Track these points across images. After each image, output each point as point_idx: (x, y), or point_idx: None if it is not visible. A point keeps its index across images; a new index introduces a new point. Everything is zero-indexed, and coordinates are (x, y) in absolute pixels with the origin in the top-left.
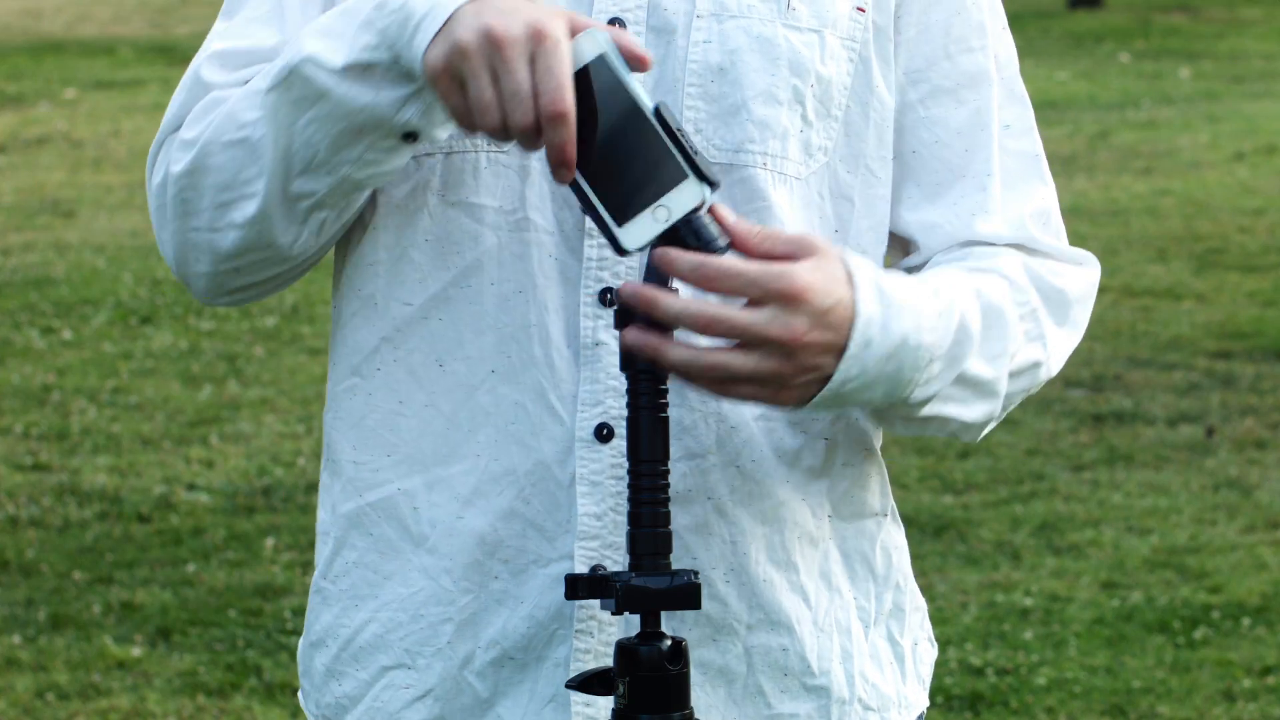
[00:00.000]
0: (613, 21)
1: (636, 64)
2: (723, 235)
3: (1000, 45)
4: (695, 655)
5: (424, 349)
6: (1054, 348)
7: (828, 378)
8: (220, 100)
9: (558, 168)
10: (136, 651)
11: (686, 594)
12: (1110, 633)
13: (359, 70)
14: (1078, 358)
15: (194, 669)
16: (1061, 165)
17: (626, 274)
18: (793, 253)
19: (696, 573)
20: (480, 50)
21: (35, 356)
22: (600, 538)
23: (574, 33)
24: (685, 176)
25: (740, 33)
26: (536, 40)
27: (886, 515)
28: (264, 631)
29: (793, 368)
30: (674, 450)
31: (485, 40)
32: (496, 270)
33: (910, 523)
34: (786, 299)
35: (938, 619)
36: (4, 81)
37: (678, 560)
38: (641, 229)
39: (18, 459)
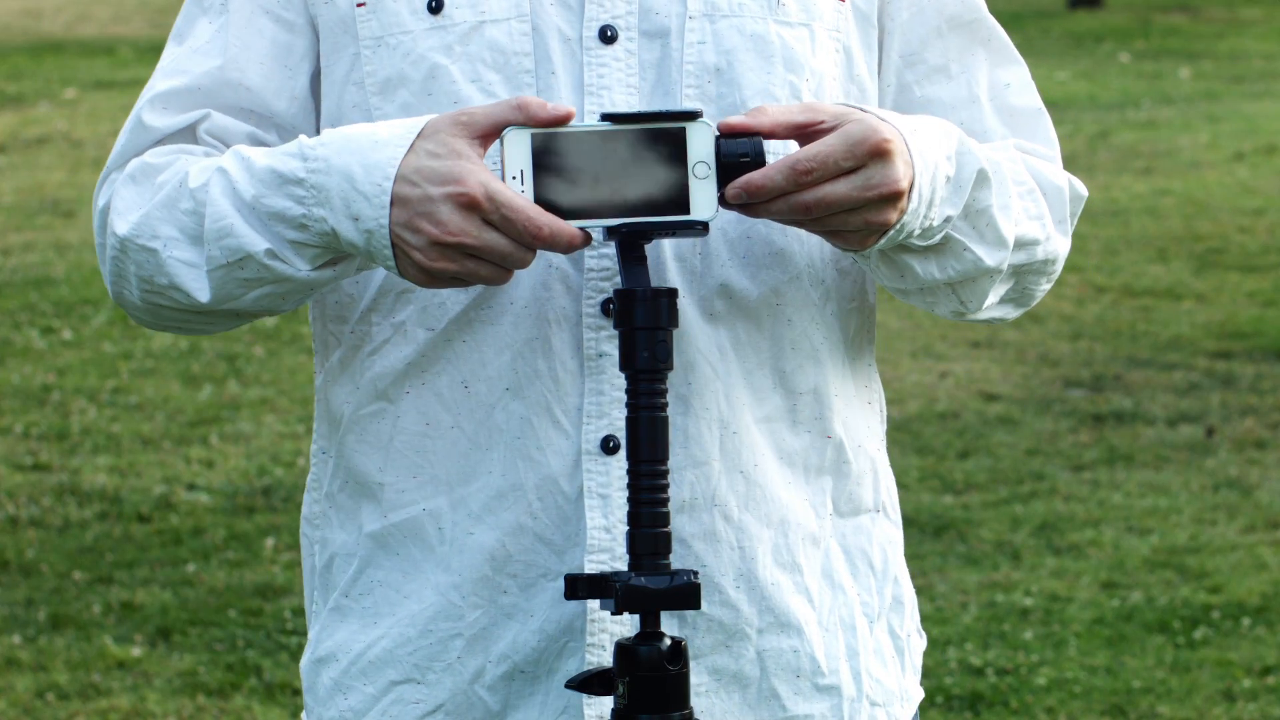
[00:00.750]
0: (604, 29)
1: (562, 121)
2: (752, 140)
3: (985, 10)
4: (709, 662)
5: (450, 371)
6: (1053, 234)
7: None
8: (152, 170)
9: (575, 250)
10: (136, 651)
11: (686, 594)
12: (1110, 633)
13: (325, 264)
14: (1078, 358)
15: (194, 669)
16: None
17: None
18: (837, 118)
19: (696, 573)
20: (450, 257)
21: (35, 356)
22: (610, 550)
23: (468, 126)
24: (683, 129)
25: (734, 32)
26: (472, 206)
27: (879, 511)
28: (264, 631)
29: (897, 212)
30: (679, 458)
31: (444, 249)
32: (512, 289)
33: (910, 523)
34: (879, 155)
35: (938, 619)
36: (4, 81)
37: (685, 567)
38: (703, 196)
39: (18, 459)
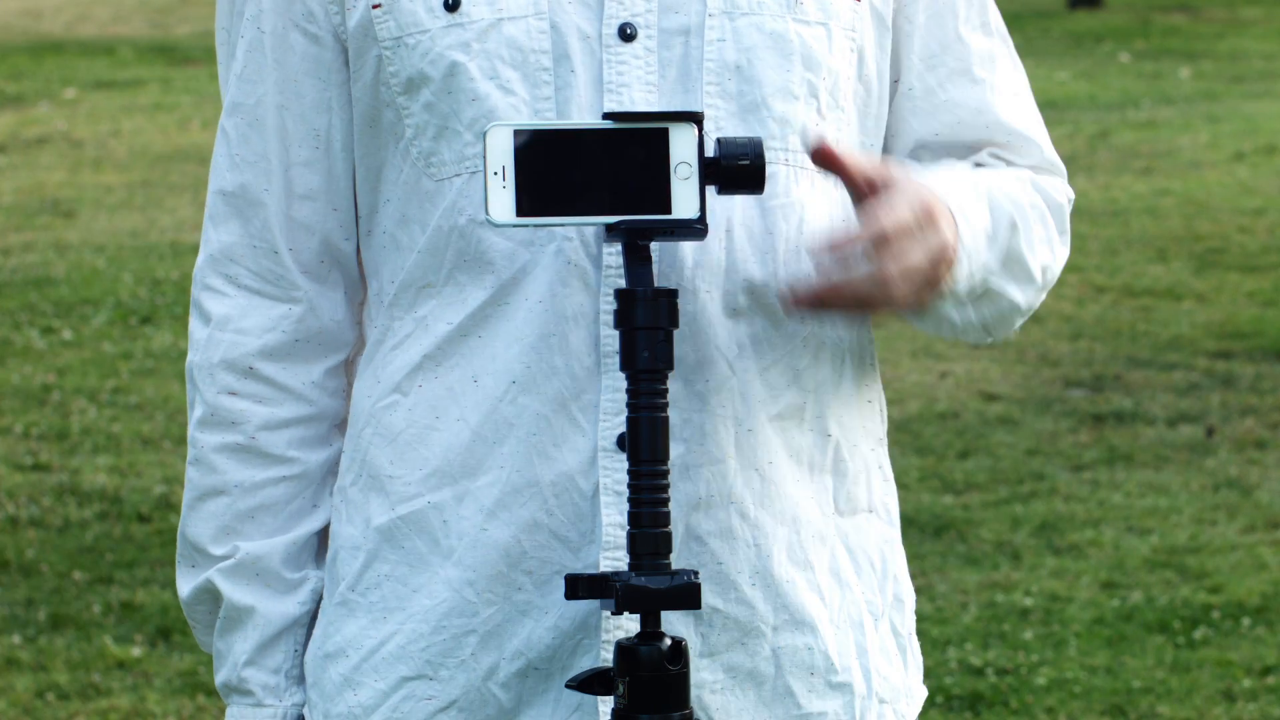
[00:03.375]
0: (623, 27)
1: None
2: (751, 141)
3: (997, 13)
4: (725, 659)
5: (462, 365)
6: (1058, 255)
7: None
8: (225, 441)
9: None
10: (136, 651)
11: (686, 594)
12: (1110, 633)
13: None
14: (1078, 358)
15: (194, 669)
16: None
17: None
18: (888, 178)
19: (696, 572)
20: None
21: (35, 356)
22: (625, 547)
23: None
24: (665, 129)
25: (753, 30)
26: None
27: (872, 511)
28: None
29: (945, 270)
30: (696, 455)
31: None
32: (530, 284)
33: (910, 523)
34: (930, 220)
35: (938, 619)
36: (4, 81)
37: (704, 566)
38: (685, 196)
39: (18, 459)
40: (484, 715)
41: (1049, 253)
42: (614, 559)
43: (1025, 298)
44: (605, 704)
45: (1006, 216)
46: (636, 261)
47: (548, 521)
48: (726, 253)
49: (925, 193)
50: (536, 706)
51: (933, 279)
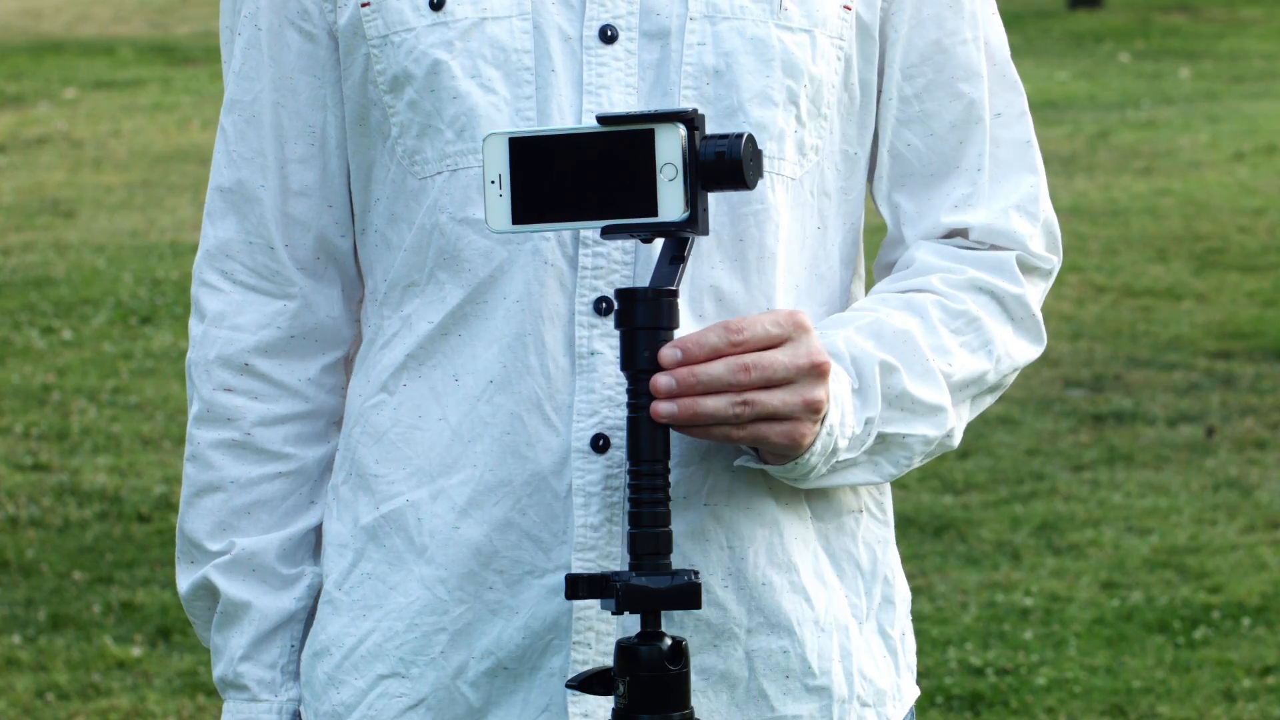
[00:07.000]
0: (604, 29)
1: None
2: (727, 139)
3: (991, 30)
4: (697, 661)
5: (444, 364)
6: (1008, 349)
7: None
8: (222, 433)
9: None
10: (136, 651)
11: (687, 594)
12: (1110, 633)
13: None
14: (1078, 358)
15: (194, 669)
16: (1061, 165)
17: (622, 282)
18: (788, 333)
19: (696, 572)
20: None
21: (35, 356)
22: (597, 548)
23: None
24: (651, 131)
25: (734, 34)
26: None
27: (863, 511)
28: None
29: (813, 425)
30: (671, 456)
31: None
32: (507, 283)
33: (910, 523)
34: (815, 372)
35: (938, 619)
36: (4, 81)
37: (675, 567)
38: (671, 198)
39: (18, 459)
40: (453, 714)
41: (979, 360)
42: (585, 560)
43: (937, 428)
44: (575, 705)
45: (873, 365)
46: (664, 261)
47: (520, 521)
48: (692, 258)
49: (818, 355)
50: (505, 707)
51: (803, 433)
